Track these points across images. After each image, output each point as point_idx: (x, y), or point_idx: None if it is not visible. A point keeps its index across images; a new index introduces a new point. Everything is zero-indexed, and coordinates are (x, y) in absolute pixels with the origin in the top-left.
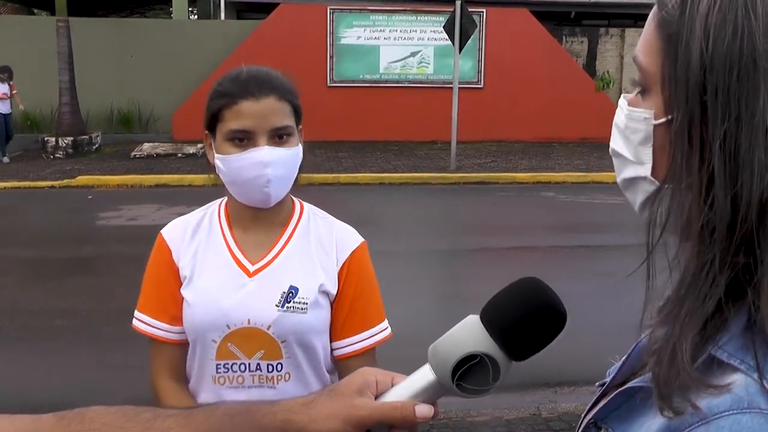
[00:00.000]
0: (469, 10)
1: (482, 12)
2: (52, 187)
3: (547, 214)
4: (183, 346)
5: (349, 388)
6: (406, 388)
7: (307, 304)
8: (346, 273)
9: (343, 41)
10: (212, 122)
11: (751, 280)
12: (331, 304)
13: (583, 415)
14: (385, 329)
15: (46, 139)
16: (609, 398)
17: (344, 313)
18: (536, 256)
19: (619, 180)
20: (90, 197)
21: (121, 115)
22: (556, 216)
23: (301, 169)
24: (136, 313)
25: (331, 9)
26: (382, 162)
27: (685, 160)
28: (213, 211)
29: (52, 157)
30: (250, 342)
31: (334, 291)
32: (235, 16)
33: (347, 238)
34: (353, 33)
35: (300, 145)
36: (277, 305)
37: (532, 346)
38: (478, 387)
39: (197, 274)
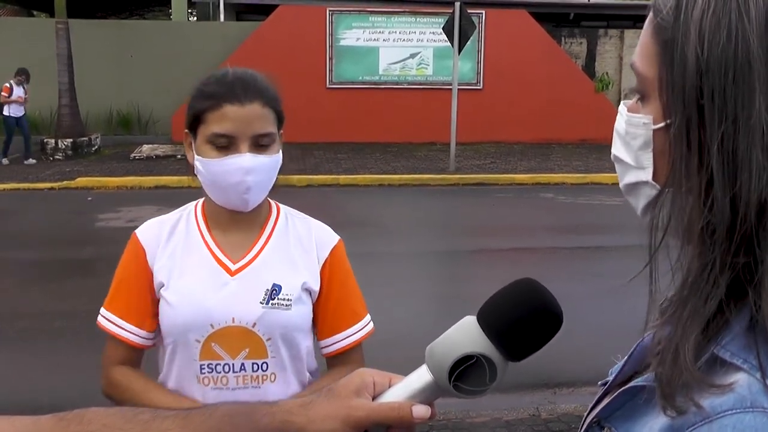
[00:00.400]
0: (468, 11)
1: (481, 13)
2: (52, 188)
3: (546, 216)
4: (141, 351)
5: (346, 389)
6: (404, 389)
7: (291, 300)
8: (328, 270)
9: (343, 43)
10: (194, 122)
11: (751, 280)
12: (313, 302)
13: (585, 414)
14: (369, 322)
15: (45, 140)
16: (612, 397)
17: (330, 310)
18: (535, 257)
19: (621, 185)
20: (89, 199)
21: (120, 116)
22: (555, 217)
23: (280, 172)
24: (103, 311)
25: (330, 10)
26: (381, 163)
27: (684, 164)
28: (190, 212)
29: (51, 158)
30: (234, 341)
31: (316, 288)
32: (234, 18)
33: (326, 236)
34: (352, 34)
35: (281, 151)
36: (261, 302)
37: (528, 346)
38: (475, 388)
39: (177, 275)
